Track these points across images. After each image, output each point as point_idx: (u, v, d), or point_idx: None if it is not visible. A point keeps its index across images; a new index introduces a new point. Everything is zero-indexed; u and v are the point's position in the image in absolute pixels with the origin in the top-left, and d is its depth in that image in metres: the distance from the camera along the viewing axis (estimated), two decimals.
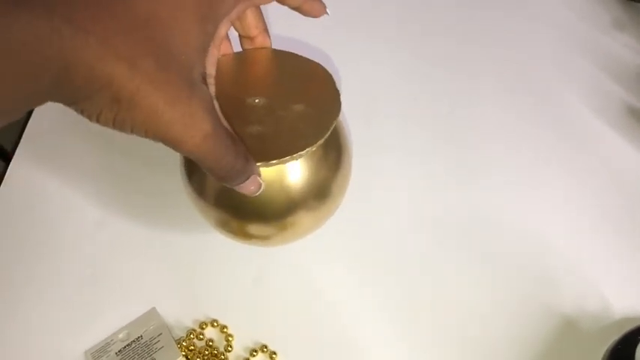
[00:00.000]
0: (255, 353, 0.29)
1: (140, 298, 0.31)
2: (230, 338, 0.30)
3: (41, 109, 0.19)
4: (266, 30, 0.27)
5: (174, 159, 0.30)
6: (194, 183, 0.27)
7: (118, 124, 0.19)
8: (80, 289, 0.31)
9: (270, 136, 0.24)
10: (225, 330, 0.30)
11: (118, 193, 0.35)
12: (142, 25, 0.19)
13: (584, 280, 0.32)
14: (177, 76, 0.19)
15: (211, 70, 0.25)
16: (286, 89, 0.26)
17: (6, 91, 0.16)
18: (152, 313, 0.31)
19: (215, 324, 0.30)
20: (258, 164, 0.23)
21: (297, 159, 0.24)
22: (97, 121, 0.19)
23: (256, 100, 0.25)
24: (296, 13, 0.26)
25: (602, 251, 0.33)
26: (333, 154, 0.27)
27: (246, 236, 0.27)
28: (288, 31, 0.34)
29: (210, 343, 0.30)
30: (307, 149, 0.24)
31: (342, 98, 0.26)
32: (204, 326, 0.30)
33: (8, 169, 0.36)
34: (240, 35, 0.27)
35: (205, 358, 0.29)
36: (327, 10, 0.26)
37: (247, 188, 0.24)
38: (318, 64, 0.27)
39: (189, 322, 0.31)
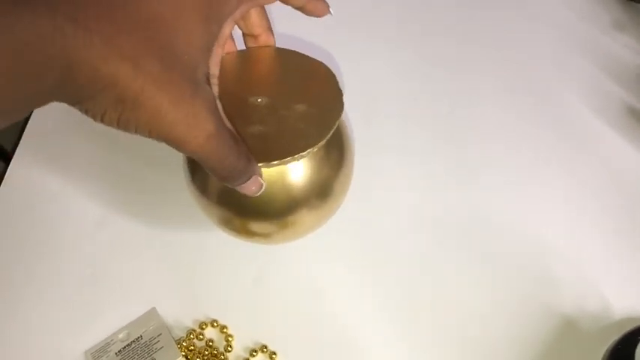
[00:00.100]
0: (255, 353, 0.29)
1: (140, 298, 0.31)
2: (230, 338, 0.30)
3: (41, 109, 0.19)
4: (270, 29, 0.27)
5: (174, 159, 0.30)
6: (197, 181, 0.27)
7: (122, 124, 0.19)
8: (80, 289, 0.31)
9: (272, 136, 0.24)
10: (225, 330, 0.30)
11: (118, 193, 0.35)
12: (146, 25, 0.19)
13: (584, 280, 0.32)
14: (181, 76, 0.19)
15: (215, 70, 0.25)
16: (289, 88, 0.26)
17: (9, 91, 0.16)
18: (152, 313, 0.31)
19: (215, 324, 0.30)
20: (260, 165, 0.23)
21: (298, 159, 0.24)
22: (102, 121, 0.19)
23: (259, 100, 0.25)
24: (298, 13, 0.26)
25: (602, 251, 0.33)
26: (336, 154, 0.27)
27: (248, 234, 0.27)
28: (288, 30, 0.34)
29: (210, 344, 0.30)
30: (309, 150, 0.24)
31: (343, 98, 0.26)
32: (204, 326, 0.30)
33: (8, 169, 0.36)
34: (243, 33, 0.27)
35: (205, 358, 0.29)
36: (331, 10, 0.26)
37: (248, 188, 0.24)
38: (321, 63, 0.27)
39: (189, 322, 0.31)
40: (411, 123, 0.39)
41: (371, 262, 0.33)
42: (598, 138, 0.38)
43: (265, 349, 0.30)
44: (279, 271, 0.32)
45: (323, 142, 0.24)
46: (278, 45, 0.28)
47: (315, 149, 0.24)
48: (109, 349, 0.29)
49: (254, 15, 0.26)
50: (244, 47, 0.28)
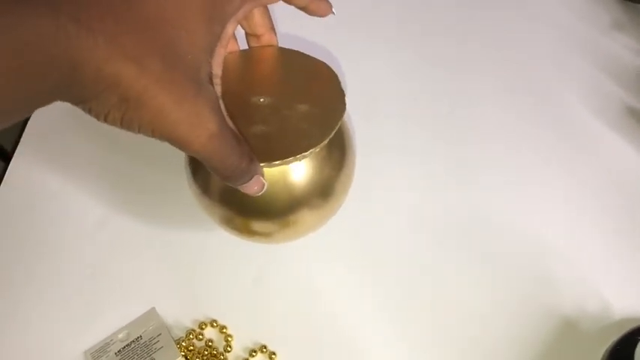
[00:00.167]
0: (254, 353, 0.29)
1: (140, 298, 0.31)
2: (229, 338, 0.30)
3: (41, 108, 0.19)
4: (273, 28, 0.27)
5: (174, 158, 0.30)
6: (199, 180, 0.27)
7: (125, 124, 0.19)
8: (80, 289, 0.31)
9: (274, 136, 0.24)
10: (224, 330, 0.30)
11: (118, 193, 0.35)
12: (149, 25, 0.19)
13: (584, 280, 0.32)
14: (184, 76, 0.19)
15: (218, 70, 0.25)
16: (291, 88, 0.26)
17: (13, 90, 0.16)
18: (152, 313, 0.31)
19: (214, 324, 0.30)
20: (262, 164, 0.23)
21: (300, 159, 0.24)
22: (105, 120, 0.19)
23: (261, 99, 0.25)
24: (300, 12, 0.26)
25: (602, 251, 0.33)
26: (337, 154, 0.27)
27: (249, 233, 0.27)
28: (288, 29, 0.34)
29: (210, 344, 0.30)
30: (310, 150, 0.24)
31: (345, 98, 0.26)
32: (203, 326, 0.30)
33: (8, 169, 0.36)
34: (246, 33, 0.27)
35: (205, 358, 0.29)
36: (333, 10, 0.26)
37: (250, 188, 0.24)
38: (324, 63, 0.27)
39: (188, 323, 0.31)
40: (411, 123, 0.39)
41: (371, 262, 0.33)
42: (598, 138, 0.38)
43: (265, 349, 0.30)
44: (278, 271, 0.32)
45: (325, 143, 0.24)
46: (281, 45, 0.28)
47: (317, 149, 0.24)
48: (108, 349, 0.29)
49: (257, 15, 0.26)
50: (247, 47, 0.28)
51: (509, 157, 0.37)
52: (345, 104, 0.26)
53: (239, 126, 0.24)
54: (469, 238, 0.34)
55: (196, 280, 0.32)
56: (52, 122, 0.38)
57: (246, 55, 0.27)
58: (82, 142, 0.37)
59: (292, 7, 0.25)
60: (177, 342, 0.30)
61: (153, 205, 0.35)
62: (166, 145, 0.21)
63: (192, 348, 0.30)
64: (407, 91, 0.40)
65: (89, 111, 0.19)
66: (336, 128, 0.25)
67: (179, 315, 0.31)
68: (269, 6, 0.26)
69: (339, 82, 0.27)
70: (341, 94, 0.26)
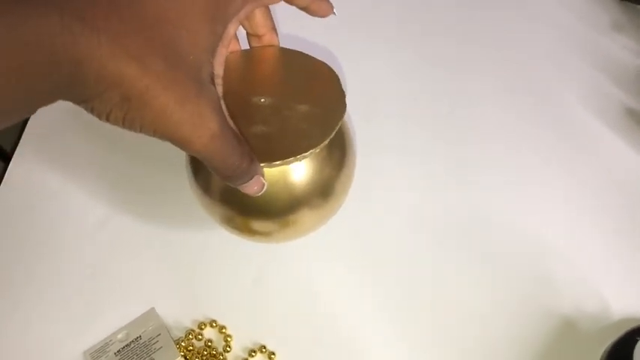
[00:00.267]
0: (253, 354, 0.29)
1: (139, 299, 0.31)
2: (229, 338, 0.30)
3: (41, 109, 0.19)
4: (274, 28, 0.27)
5: (174, 158, 0.30)
6: (199, 180, 0.27)
7: (127, 123, 0.19)
8: (80, 289, 0.31)
9: (275, 137, 0.24)
10: (223, 330, 0.30)
11: (118, 193, 0.35)
12: (151, 25, 0.19)
13: (584, 280, 0.32)
14: (186, 75, 0.20)
15: (219, 69, 0.25)
16: (292, 88, 0.26)
17: (17, 89, 0.16)
18: (151, 313, 0.31)
19: (214, 324, 0.30)
20: (262, 164, 0.24)
21: (300, 160, 0.24)
22: (107, 119, 0.19)
23: (262, 100, 0.26)
24: (302, 13, 0.26)
25: (602, 252, 0.33)
26: (337, 154, 0.27)
27: (249, 233, 0.28)
28: (290, 30, 0.34)
29: (209, 344, 0.30)
30: (311, 150, 0.24)
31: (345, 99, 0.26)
32: (203, 326, 0.30)
33: (8, 169, 0.36)
34: (248, 33, 0.27)
35: (204, 358, 0.29)
36: (334, 10, 0.26)
37: (251, 188, 0.24)
38: (325, 64, 0.28)
39: (188, 323, 0.31)
40: (411, 123, 0.39)
41: (371, 262, 0.33)
42: (597, 138, 0.38)
43: (264, 350, 0.30)
44: (278, 271, 0.32)
45: (325, 143, 0.24)
46: (282, 45, 0.28)
47: (318, 150, 0.24)
48: (107, 350, 0.29)
49: (258, 15, 0.26)
50: (248, 47, 0.28)
51: (509, 157, 0.37)
52: (345, 105, 0.26)
53: (240, 126, 0.24)
54: (469, 238, 0.34)
55: (196, 280, 0.32)
56: (52, 122, 0.38)
57: (248, 55, 0.28)
58: (81, 142, 0.37)
59: (293, 8, 0.25)
60: (177, 342, 0.30)
61: (153, 205, 0.35)
62: (166, 145, 0.21)
63: (191, 348, 0.30)
64: (407, 91, 0.40)
65: (91, 110, 0.19)
66: (337, 129, 0.25)
67: (178, 315, 0.31)
68: (270, 6, 0.26)
69: (339, 83, 0.27)
70: (341, 95, 0.26)
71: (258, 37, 0.27)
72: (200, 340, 0.30)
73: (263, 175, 0.24)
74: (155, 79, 0.18)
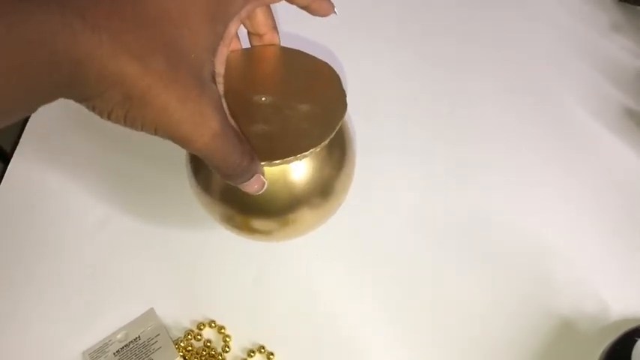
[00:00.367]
0: (252, 354, 0.29)
1: (139, 299, 0.31)
2: (228, 339, 0.30)
3: (41, 108, 0.19)
4: (275, 28, 0.27)
5: (174, 158, 0.30)
6: (200, 179, 0.27)
7: (128, 122, 0.19)
8: (80, 289, 0.31)
9: (275, 136, 0.24)
10: (222, 331, 0.30)
11: (118, 193, 0.35)
12: (153, 24, 0.19)
13: (583, 280, 0.32)
14: (187, 74, 0.20)
15: (220, 68, 0.25)
16: (293, 87, 0.27)
17: (16, 89, 0.16)
18: (150, 313, 0.31)
19: (213, 325, 0.30)
20: (262, 163, 0.24)
21: (300, 159, 0.24)
22: (108, 118, 0.19)
23: (263, 99, 0.26)
24: (303, 12, 0.26)
25: (601, 252, 0.33)
26: (338, 153, 0.27)
27: (249, 231, 0.28)
28: (290, 29, 0.34)
29: (208, 344, 0.30)
30: (311, 150, 0.24)
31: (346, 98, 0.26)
32: (202, 327, 0.30)
33: (8, 169, 0.36)
34: (249, 32, 0.27)
35: (203, 358, 0.29)
36: (335, 10, 0.26)
37: (251, 187, 0.24)
38: (326, 63, 0.28)
39: (187, 323, 0.31)
40: (411, 123, 0.39)
41: (371, 262, 0.33)
42: (597, 139, 0.38)
43: (263, 350, 0.30)
44: (277, 271, 0.32)
45: (326, 142, 0.25)
46: (283, 44, 0.28)
47: (318, 149, 0.24)
48: (107, 350, 0.29)
49: (260, 14, 0.26)
50: (249, 45, 0.28)
51: (509, 157, 0.37)
52: (346, 104, 0.26)
53: (240, 125, 0.24)
54: (469, 238, 0.34)
55: (195, 281, 0.32)
56: (52, 122, 0.38)
57: (249, 54, 0.28)
58: (81, 142, 0.37)
59: (294, 7, 0.25)
60: (176, 342, 0.30)
61: (153, 204, 0.35)
62: (166, 144, 0.21)
63: (190, 348, 0.30)
64: (407, 91, 0.40)
65: (92, 108, 0.19)
66: (337, 128, 0.25)
67: (178, 315, 0.31)
68: (271, 5, 0.26)
69: (340, 82, 0.27)
70: (342, 94, 0.26)
71: (259, 36, 0.27)
72: (199, 340, 0.30)
73: (263, 174, 0.24)
74: (156, 78, 0.18)
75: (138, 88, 0.18)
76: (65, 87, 0.18)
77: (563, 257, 0.33)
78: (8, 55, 0.16)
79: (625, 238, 0.34)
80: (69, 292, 0.31)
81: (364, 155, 0.31)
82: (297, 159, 0.24)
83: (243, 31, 0.27)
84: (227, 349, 0.30)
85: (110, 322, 0.30)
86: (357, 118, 0.36)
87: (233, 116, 0.23)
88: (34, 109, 0.18)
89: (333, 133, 0.25)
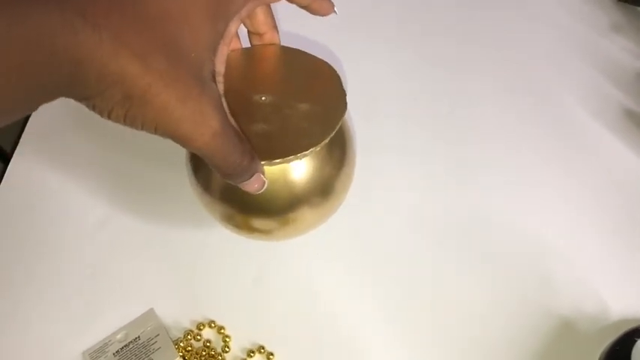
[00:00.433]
0: (252, 354, 0.29)
1: (139, 299, 0.31)
2: (227, 339, 0.30)
3: (41, 108, 0.19)
4: (275, 27, 0.27)
5: (175, 158, 0.30)
6: (200, 178, 0.27)
7: (128, 121, 0.19)
8: (80, 289, 0.31)
9: (276, 135, 0.24)
10: (222, 331, 0.30)
11: (118, 193, 0.35)
12: (153, 23, 0.19)
13: (583, 281, 0.32)
14: (188, 73, 0.20)
15: (220, 68, 0.25)
16: (293, 87, 0.27)
17: (16, 88, 0.16)
18: (150, 313, 0.31)
19: (212, 325, 0.30)
20: (262, 163, 0.24)
21: (301, 158, 0.24)
22: (109, 117, 0.19)
23: (263, 98, 0.26)
24: (303, 11, 0.26)
25: (601, 252, 0.33)
26: (338, 153, 0.27)
27: (250, 230, 0.28)
28: (290, 28, 0.34)
29: (208, 344, 0.30)
30: (311, 149, 0.24)
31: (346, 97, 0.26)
32: (201, 327, 0.30)
33: (8, 169, 0.36)
34: (249, 31, 0.27)
35: (203, 358, 0.29)
36: (335, 9, 0.26)
37: (251, 186, 0.24)
38: (325, 62, 0.28)
39: (186, 323, 0.31)
40: (411, 123, 0.39)
41: (371, 261, 0.33)
42: (597, 139, 0.38)
43: (262, 350, 0.30)
44: (277, 271, 0.32)
45: (326, 142, 0.25)
46: (283, 43, 0.28)
47: (318, 148, 0.24)
48: (106, 350, 0.29)
49: (260, 13, 0.26)
50: (249, 45, 0.28)
51: (509, 157, 0.37)
52: (346, 103, 0.26)
53: (241, 124, 0.24)
54: (469, 238, 0.34)
55: (195, 281, 0.32)
56: (52, 122, 0.38)
57: (249, 54, 0.28)
58: (81, 141, 0.37)
59: (294, 6, 0.25)
60: (176, 342, 0.30)
61: (153, 204, 0.35)
62: (166, 144, 0.21)
63: (190, 349, 0.30)
64: (407, 91, 0.40)
65: (93, 108, 0.19)
66: (337, 127, 0.25)
67: (177, 315, 0.31)
68: (271, 5, 0.26)
69: (340, 81, 0.27)
70: (342, 93, 0.26)
71: (260, 35, 0.27)
72: (199, 340, 0.30)
73: (263, 173, 0.24)
74: (157, 77, 0.18)
75: (138, 87, 0.18)
76: (65, 86, 0.18)
77: (563, 257, 0.33)
78: (8, 55, 0.16)
79: (625, 238, 0.34)
80: (69, 292, 0.31)
81: (364, 155, 0.31)
82: (297, 158, 0.24)
83: (243, 31, 0.27)
84: (227, 349, 0.30)
85: (110, 322, 0.30)
86: (357, 118, 0.36)
87: (233, 115, 0.23)
88: (34, 109, 0.18)
89: (334, 132, 0.25)
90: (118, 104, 0.19)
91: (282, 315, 0.31)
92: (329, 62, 0.28)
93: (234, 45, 0.27)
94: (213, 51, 0.21)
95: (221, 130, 0.20)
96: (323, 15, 0.26)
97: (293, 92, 0.26)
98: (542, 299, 0.31)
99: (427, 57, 0.42)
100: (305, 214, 0.27)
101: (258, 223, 0.27)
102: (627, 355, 0.26)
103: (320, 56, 0.28)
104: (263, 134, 0.24)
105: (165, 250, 0.33)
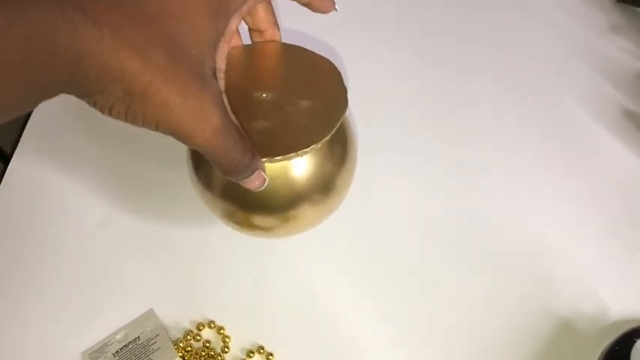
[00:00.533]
0: (251, 354, 0.29)
1: (139, 299, 0.31)
2: (227, 339, 0.30)
3: (40, 107, 0.19)
4: (276, 24, 0.27)
5: (175, 158, 0.30)
6: (201, 175, 0.27)
7: (129, 117, 0.19)
8: (80, 289, 0.31)
9: (276, 132, 0.24)
10: (222, 331, 0.30)
11: (118, 192, 0.35)
12: (153, 19, 0.19)
13: (582, 281, 0.32)
14: (188, 70, 0.19)
15: (221, 64, 0.25)
16: (294, 84, 0.26)
17: (16, 85, 0.16)
18: (149, 314, 0.31)
19: (212, 325, 0.30)
20: (263, 160, 0.24)
21: (301, 155, 0.24)
22: (109, 113, 0.19)
23: (264, 95, 0.25)
24: (301, 9, 0.26)
25: (600, 253, 0.33)
26: (339, 150, 0.27)
27: (250, 227, 0.27)
28: (291, 26, 0.34)
29: (207, 344, 0.30)
30: (312, 146, 0.24)
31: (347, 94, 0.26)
32: (201, 327, 0.30)
33: (8, 169, 0.36)
34: (249, 28, 0.27)
35: (202, 359, 0.29)
36: (336, 7, 0.26)
37: (252, 183, 0.24)
38: (326, 59, 0.27)
39: (186, 323, 0.31)
40: (411, 123, 0.39)
41: (371, 261, 0.33)
42: (596, 140, 0.39)
43: (262, 350, 0.30)
44: (277, 271, 0.32)
45: (327, 139, 0.24)
46: (283, 40, 0.28)
47: (319, 145, 0.24)
48: (106, 350, 0.29)
49: (261, 10, 0.26)
50: (250, 42, 0.28)
51: (509, 157, 0.37)
52: (347, 100, 0.26)
53: (241, 121, 0.24)
54: (469, 238, 0.34)
55: (195, 281, 0.32)
56: (52, 122, 0.38)
57: (249, 51, 0.27)
58: (81, 141, 0.37)
59: (295, 4, 0.25)
60: (175, 343, 0.30)
61: (153, 204, 0.35)
62: (166, 143, 0.21)
63: (189, 349, 0.30)
64: (407, 91, 0.40)
65: (93, 104, 0.19)
66: (338, 124, 0.25)
67: (177, 316, 0.31)
68: (272, 2, 0.26)
69: (341, 78, 0.27)
70: (343, 90, 0.26)
71: (260, 32, 0.27)
72: (198, 340, 0.30)
73: (264, 170, 0.24)
74: (157, 73, 0.18)
75: (139, 84, 0.18)
76: (66, 83, 0.18)
77: (562, 257, 0.33)
78: (8, 52, 0.16)
79: (625, 239, 0.34)
80: (69, 292, 0.31)
81: (364, 155, 0.31)
82: (298, 155, 0.24)
83: (244, 28, 0.27)
84: (226, 349, 0.30)
85: (110, 322, 0.30)
86: (357, 118, 0.36)
87: (234, 112, 0.23)
88: (34, 106, 0.18)
89: (334, 129, 0.25)
90: (118, 101, 0.18)
91: (282, 315, 0.31)
92: (330, 59, 0.27)
93: (235, 42, 0.27)
94: (214, 48, 0.21)
95: (222, 127, 0.20)
96: (324, 12, 0.26)
97: (294, 89, 0.26)
98: (542, 299, 0.32)
99: (427, 57, 0.42)
100: (306, 211, 0.27)
101: (259, 220, 0.27)
102: (627, 355, 0.26)
103: (321, 54, 0.28)
104: (264, 131, 0.24)
105: (165, 250, 0.33)
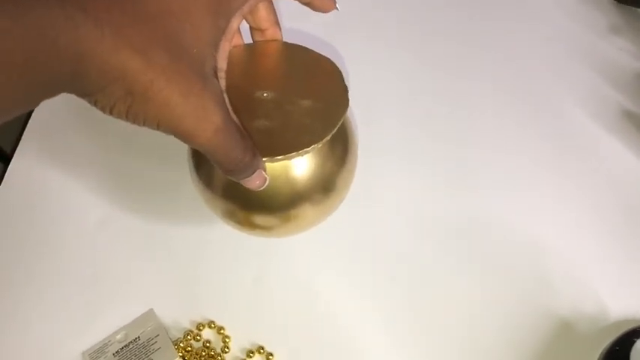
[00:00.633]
0: (251, 354, 0.29)
1: (139, 299, 0.31)
2: (227, 339, 0.30)
3: (41, 107, 0.19)
4: (277, 23, 0.27)
5: (175, 158, 0.30)
6: (202, 174, 0.27)
7: (131, 117, 0.19)
8: (80, 289, 0.31)
9: (277, 131, 0.24)
10: (222, 331, 0.30)
11: (119, 192, 0.35)
12: (154, 18, 0.19)
13: (582, 282, 0.32)
14: (190, 69, 0.19)
15: (222, 64, 0.25)
16: (295, 83, 0.27)
17: (17, 85, 0.16)
18: (150, 314, 0.31)
19: (212, 325, 0.30)
20: (264, 159, 0.24)
21: (302, 155, 0.24)
22: (111, 113, 0.19)
23: (264, 94, 0.26)
24: (302, 8, 0.26)
25: (600, 253, 0.33)
26: (340, 149, 0.27)
27: (251, 227, 0.27)
28: (292, 25, 0.34)
29: (208, 345, 0.30)
30: (313, 145, 0.24)
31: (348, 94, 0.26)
32: (201, 327, 0.30)
33: (8, 169, 0.36)
34: (251, 27, 0.27)
35: (202, 359, 0.29)
36: (337, 6, 0.26)
37: (253, 182, 0.24)
38: (327, 59, 0.27)
39: (186, 323, 0.31)
40: (412, 123, 0.39)
41: (371, 262, 0.33)
42: (595, 140, 0.39)
43: (262, 350, 0.30)
44: (277, 271, 0.32)
45: (328, 138, 0.24)
46: (285, 40, 0.28)
47: (320, 145, 0.24)
48: (106, 350, 0.29)
49: (262, 9, 0.26)
50: (251, 41, 0.28)
51: (509, 157, 0.37)
52: (348, 100, 0.26)
53: (242, 120, 0.24)
54: (469, 238, 0.34)
55: (195, 281, 0.32)
56: (53, 122, 0.38)
57: (251, 50, 0.27)
58: (82, 141, 0.37)
59: (297, 3, 0.25)
60: (175, 343, 0.30)
61: (153, 204, 0.35)
62: (167, 143, 0.21)
63: (189, 349, 0.30)
64: (407, 91, 0.40)
65: (95, 103, 0.19)
66: (339, 124, 0.25)
67: (177, 316, 0.31)
68: (273, 1, 0.26)
69: (342, 78, 0.27)
70: (344, 90, 0.26)
71: (261, 31, 0.27)
72: (198, 340, 0.30)
73: (265, 170, 0.24)
74: (159, 72, 0.18)
75: (140, 84, 0.18)
76: (67, 82, 0.18)
77: (562, 258, 0.33)
78: (9, 51, 0.16)
79: (624, 239, 0.34)
80: (69, 291, 0.31)
81: (364, 156, 0.31)
82: (299, 155, 0.24)
83: (245, 27, 0.27)
84: (226, 349, 0.30)
85: (110, 322, 0.30)
86: (358, 117, 0.36)
87: (235, 112, 0.23)
88: (35, 105, 0.18)
89: (335, 129, 0.25)
90: (119, 100, 0.18)
91: (282, 315, 0.31)
92: (331, 59, 0.28)
93: (236, 41, 0.27)
94: (215, 47, 0.21)
95: (223, 126, 0.20)
96: (325, 11, 0.26)
97: (295, 88, 0.26)
98: (542, 299, 0.32)
99: (427, 57, 0.42)
100: (307, 210, 0.27)
101: (259, 219, 0.27)
102: (626, 355, 0.26)
103: (323, 53, 0.28)
104: (265, 130, 0.24)
105: (166, 249, 0.33)
